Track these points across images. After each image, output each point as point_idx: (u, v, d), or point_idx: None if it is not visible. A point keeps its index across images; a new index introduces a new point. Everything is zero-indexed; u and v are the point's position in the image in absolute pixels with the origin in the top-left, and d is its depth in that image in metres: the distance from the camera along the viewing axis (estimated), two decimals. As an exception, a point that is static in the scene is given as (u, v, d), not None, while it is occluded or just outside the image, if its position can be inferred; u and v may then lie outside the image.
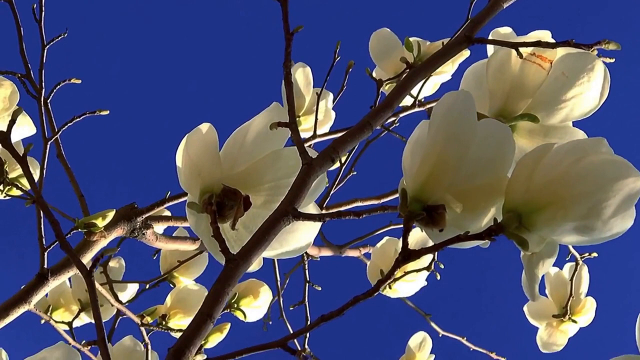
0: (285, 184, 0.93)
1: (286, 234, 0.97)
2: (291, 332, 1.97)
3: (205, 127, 0.95)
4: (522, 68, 1.02)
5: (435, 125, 0.86)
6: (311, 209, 0.97)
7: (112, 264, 1.94)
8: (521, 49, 0.98)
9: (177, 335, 1.71)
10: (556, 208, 0.81)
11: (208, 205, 0.92)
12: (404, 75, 1.03)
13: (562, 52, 1.01)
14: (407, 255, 0.83)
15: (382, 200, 1.76)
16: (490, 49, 1.07)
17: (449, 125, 0.86)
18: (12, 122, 0.91)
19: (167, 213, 1.75)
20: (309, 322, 1.74)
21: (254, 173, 0.96)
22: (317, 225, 0.99)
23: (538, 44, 0.98)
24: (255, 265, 0.98)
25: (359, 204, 1.76)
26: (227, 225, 0.94)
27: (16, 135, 1.17)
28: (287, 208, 0.88)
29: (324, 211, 1.73)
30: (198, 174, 0.94)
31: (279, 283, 1.92)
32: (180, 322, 1.76)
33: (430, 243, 0.81)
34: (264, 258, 1.85)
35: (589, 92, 1.00)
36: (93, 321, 1.88)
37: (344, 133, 0.95)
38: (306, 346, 1.87)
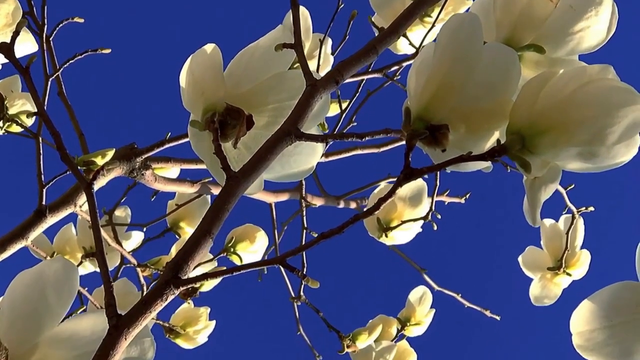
0: (288, 106, 0.93)
1: (288, 156, 0.97)
2: (287, 281, 1.98)
3: (210, 47, 0.95)
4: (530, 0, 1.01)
5: (442, 46, 0.86)
6: (314, 132, 0.97)
7: (118, 212, 1.93)
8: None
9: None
10: (560, 132, 0.81)
11: (210, 123, 0.92)
12: (412, 2, 1.02)
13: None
14: (409, 173, 0.82)
15: (382, 149, 1.75)
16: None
17: (455, 47, 0.85)
18: (16, 33, 0.90)
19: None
20: (305, 269, 1.74)
21: (258, 94, 0.96)
22: (319, 150, 0.99)
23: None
24: (255, 187, 0.98)
25: (359, 152, 1.75)
26: (228, 146, 0.94)
27: (18, 52, 1.16)
28: (289, 128, 0.87)
29: (323, 159, 1.73)
30: (201, 93, 0.93)
31: (276, 231, 1.92)
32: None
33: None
34: (264, 202, 1.85)
35: (596, 25, 1.00)
36: (97, 269, 1.89)
37: (349, 56, 0.95)
38: (302, 293, 1.88)
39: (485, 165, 0.89)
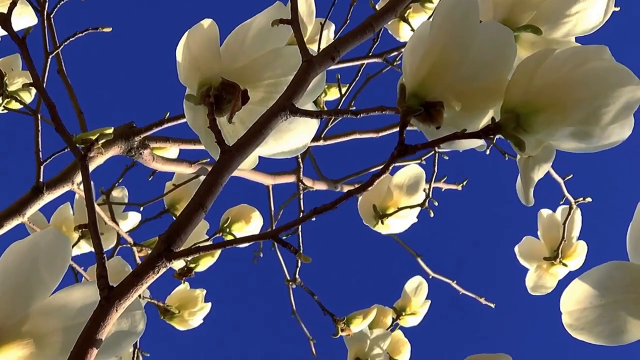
0: (284, 82, 0.93)
1: (283, 132, 0.97)
2: (283, 263, 1.98)
3: (206, 22, 0.95)
4: (528, -20, 1.01)
5: (437, 24, 0.86)
6: (309, 108, 0.97)
7: (115, 193, 1.93)
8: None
9: (174, 267, 1.72)
10: (554, 111, 0.81)
11: (206, 97, 0.92)
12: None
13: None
14: (403, 150, 0.82)
15: (380, 134, 1.76)
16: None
17: (451, 25, 0.85)
18: (13, 4, 0.90)
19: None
20: (301, 250, 1.73)
21: (254, 69, 0.96)
22: (313, 127, 0.99)
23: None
24: (249, 163, 0.98)
25: (357, 136, 1.76)
26: (223, 120, 0.94)
27: (17, 25, 1.17)
28: (285, 103, 0.87)
29: (322, 142, 1.73)
30: (197, 67, 0.94)
31: (272, 213, 1.92)
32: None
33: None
34: (261, 185, 1.85)
35: (593, 8, 1.00)
36: (93, 249, 1.89)
37: (346, 33, 0.95)
38: (297, 276, 1.88)
39: (479, 143, 0.90)
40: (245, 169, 0.89)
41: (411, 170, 1.85)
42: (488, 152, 1.99)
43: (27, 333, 0.85)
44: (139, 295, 0.84)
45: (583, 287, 0.84)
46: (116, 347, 0.87)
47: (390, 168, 0.83)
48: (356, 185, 2.02)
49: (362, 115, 0.90)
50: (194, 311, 1.80)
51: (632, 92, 0.81)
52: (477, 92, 0.86)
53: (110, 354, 0.87)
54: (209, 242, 1.68)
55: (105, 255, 0.84)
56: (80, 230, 1.83)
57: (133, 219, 1.94)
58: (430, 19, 0.87)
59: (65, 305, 0.87)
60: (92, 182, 0.94)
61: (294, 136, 0.98)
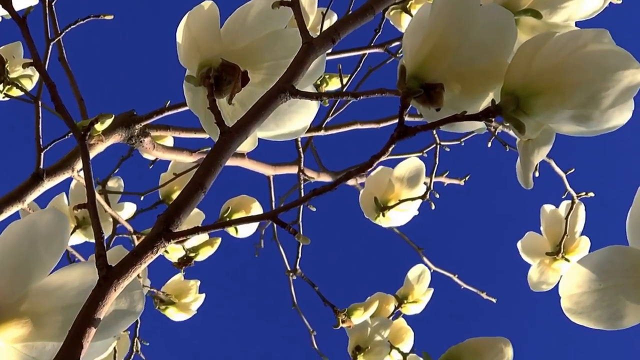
0: (284, 64, 0.93)
1: (282, 114, 0.97)
2: (284, 256, 1.98)
3: (207, 4, 0.95)
4: (528, -36, 1.01)
5: (438, 6, 0.86)
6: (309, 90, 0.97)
7: (111, 183, 1.94)
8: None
9: (172, 257, 1.72)
10: (554, 94, 0.81)
11: (206, 78, 0.92)
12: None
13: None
14: (403, 132, 0.82)
15: (381, 125, 1.75)
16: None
17: (452, 8, 0.85)
18: (13, -16, 0.90)
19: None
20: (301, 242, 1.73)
21: (254, 51, 0.96)
22: (313, 109, 0.99)
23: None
24: (249, 145, 0.98)
25: (359, 126, 1.75)
26: (223, 102, 0.94)
27: (18, 5, 1.16)
28: (284, 85, 0.87)
29: (322, 132, 1.73)
30: (197, 48, 0.93)
31: (273, 204, 1.92)
32: (177, 246, 1.75)
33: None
34: (262, 176, 1.84)
35: (594, -8, 1.00)
36: (88, 240, 1.90)
37: (346, 16, 0.95)
38: (297, 267, 1.88)
39: (479, 126, 0.89)
40: (245, 150, 0.89)
41: (411, 163, 1.84)
42: (490, 144, 1.99)
43: (25, 312, 0.85)
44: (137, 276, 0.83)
45: (582, 271, 0.84)
46: (114, 327, 0.87)
47: (390, 150, 0.83)
48: (357, 178, 2.03)
49: (362, 97, 0.89)
50: (188, 302, 1.80)
51: (632, 75, 0.80)
52: (477, 75, 0.86)
53: (109, 334, 0.87)
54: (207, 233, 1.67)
55: (103, 235, 0.84)
56: (76, 219, 1.83)
57: (129, 209, 1.94)
58: (431, 2, 0.87)
59: (63, 285, 0.86)
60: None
61: (294, 119, 0.98)
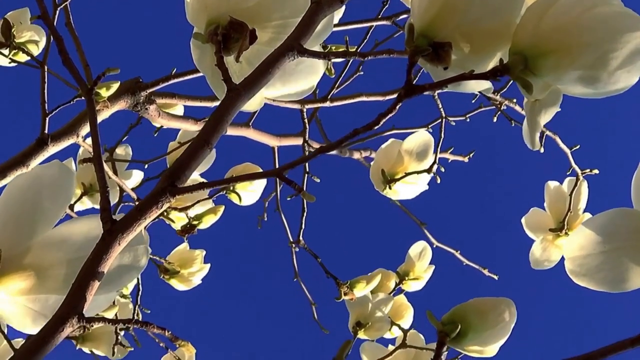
0: (292, 23, 0.93)
1: (289, 73, 0.97)
2: (287, 227, 1.98)
3: (215, -38, 0.94)
4: None
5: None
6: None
7: (119, 150, 1.94)
8: None
9: (177, 225, 1.72)
10: (563, 54, 0.81)
11: (213, 35, 0.92)
12: None
13: None
14: (410, 90, 0.82)
15: (387, 98, 1.75)
16: None
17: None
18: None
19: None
20: (305, 213, 1.74)
21: (262, 9, 0.95)
22: (320, 68, 0.98)
23: None
24: (256, 103, 0.98)
25: (364, 98, 1.75)
26: (230, 60, 0.94)
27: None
28: (292, 43, 0.87)
29: (328, 103, 1.73)
30: (205, 6, 0.93)
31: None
32: (181, 214, 1.75)
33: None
34: (267, 147, 1.84)
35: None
36: (95, 206, 1.90)
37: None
38: (300, 238, 1.88)
39: (486, 85, 0.89)
40: (252, 110, 0.89)
41: (421, 136, 1.84)
42: (495, 119, 1.99)
43: (29, 265, 0.85)
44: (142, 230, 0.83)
45: (587, 234, 0.84)
46: (118, 281, 0.87)
47: (397, 108, 0.83)
48: (362, 151, 2.03)
49: (369, 57, 0.89)
50: (192, 271, 1.80)
51: (640, 37, 0.80)
52: (485, 35, 0.85)
53: (112, 288, 0.87)
54: (211, 201, 1.68)
55: (108, 189, 0.84)
56: (83, 186, 1.83)
57: (136, 177, 1.94)
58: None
59: (67, 238, 0.87)
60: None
61: (301, 78, 0.98)
